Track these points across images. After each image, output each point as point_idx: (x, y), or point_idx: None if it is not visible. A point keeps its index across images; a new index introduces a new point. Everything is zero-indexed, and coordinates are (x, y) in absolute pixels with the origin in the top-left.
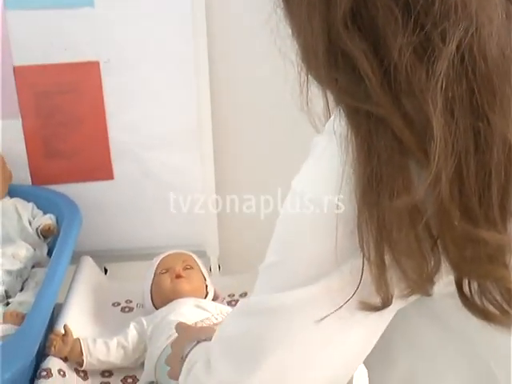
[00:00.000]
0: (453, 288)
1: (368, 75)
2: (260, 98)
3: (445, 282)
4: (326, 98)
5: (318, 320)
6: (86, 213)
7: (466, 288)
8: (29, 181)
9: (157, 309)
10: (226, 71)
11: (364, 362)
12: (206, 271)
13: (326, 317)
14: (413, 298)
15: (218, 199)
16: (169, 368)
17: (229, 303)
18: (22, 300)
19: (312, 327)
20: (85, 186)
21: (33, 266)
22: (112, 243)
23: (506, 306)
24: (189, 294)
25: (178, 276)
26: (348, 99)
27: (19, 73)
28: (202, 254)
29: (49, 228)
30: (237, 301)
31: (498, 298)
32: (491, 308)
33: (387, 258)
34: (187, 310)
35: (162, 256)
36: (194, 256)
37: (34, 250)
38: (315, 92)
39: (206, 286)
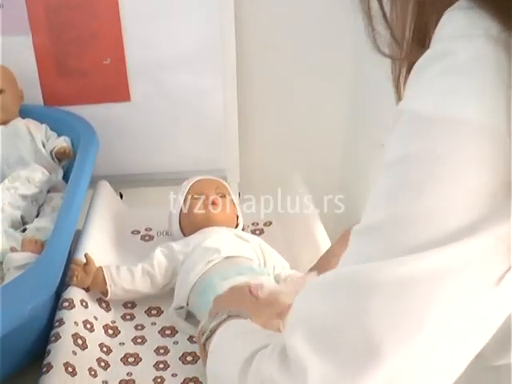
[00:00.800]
0: None
1: None
2: (287, 16)
3: None
4: None
5: (474, 290)
6: (100, 136)
7: None
8: (41, 101)
9: (185, 236)
10: None
11: None
12: (236, 200)
13: (486, 284)
14: None
15: (241, 123)
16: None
17: (253, 232)
18: (40, 226)
19: (464, 300)
20: (99, 108)
21: (48, 191)
22: (128, 168)
23: None
24: (221, 223)
25: (213, 203)
26: None
27: None
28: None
29: (64, 151)
30: (261, 230)
31: None
32: None
33: None
34: (226, 239)
35: (192, 180)
36: (226, 184)
37: (50, 173)
38: None
39: (237, 217)
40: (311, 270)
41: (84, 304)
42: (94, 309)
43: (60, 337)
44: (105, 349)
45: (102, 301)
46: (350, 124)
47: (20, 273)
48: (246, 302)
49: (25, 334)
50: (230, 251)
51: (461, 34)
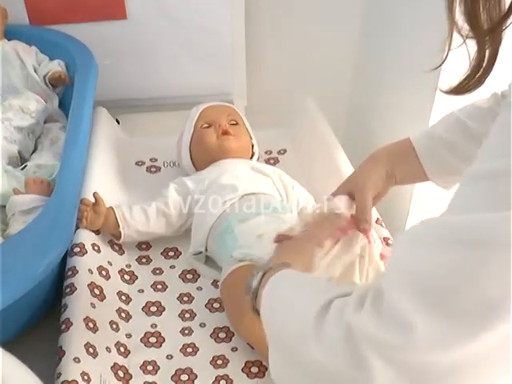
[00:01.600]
0: None
1: None
2: None
3: None
4: None
5: None
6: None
7: None
8: (26, 20)
9: (197, 169)
10: None
11: None
12: (249, 128)
13: None
14: None
15: (248, 43)
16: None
17: (267, 161)
18: (41, 163)
19: None
20: (91, 27)
21: (44, 122)
22: (125, 92)
23: None
24: (235, 153)
25: (225, 132)
26: None
27: None
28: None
29: (59, 76)
30: (275, 159)
31: None
32: None
33: None
34: (243, 174)
35: (201, 107)
36: (238, 109)
37: (45, 102)
38: None
39: (252, 146)
40: (337, 192)
41: (96, 248)
42: (107, 252)
43: (75, 288)
44: (124, 297)
45: (114, 243)
46: (360, 47)
47: (27, 218)
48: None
49: (37, 288)
50: (248, 188)
51: None
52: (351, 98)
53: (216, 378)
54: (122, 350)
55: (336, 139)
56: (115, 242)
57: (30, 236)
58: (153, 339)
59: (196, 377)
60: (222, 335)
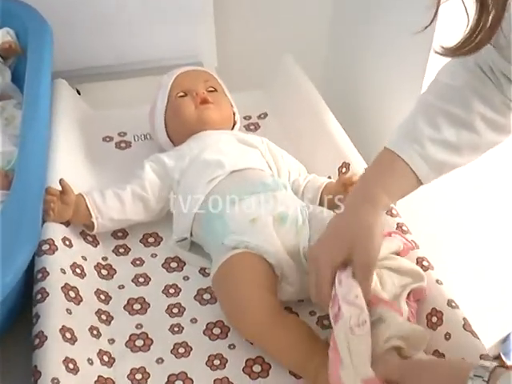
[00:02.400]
0: None
1: None
2: None
3: None
4: None
5: None
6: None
7: None
8: None
9: (174, 144)
10: None
11: None
12: (229, 94)
13: None
14: None
15: None
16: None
17: (246, 128)
18: None
19: None
20: None
21: None
22: (85, 61)
23: None
24: (217, 124)
25: (204, 101)
26: None
27: None
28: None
29: (9, 46)
30: (255, 124)
31: None
32: None
33: None
34: (229, 147)
35: (174, 74)
36: (215, 74)
37: None
38: None
39: (234, 114)
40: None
41: (67, 243)
42: (80, 246)
43: (47, 294)
44: (102, 296)
45: (87, 234)
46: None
47: None
48: None
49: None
50: (236, 163)
51: None
52: (330, 54)
53: (214, 381)
54: (105, 359)
55: (322, 99)
56: (88, 232)
57: None
58: (139, 342)
59: (192, 382)
60: (216, 331)
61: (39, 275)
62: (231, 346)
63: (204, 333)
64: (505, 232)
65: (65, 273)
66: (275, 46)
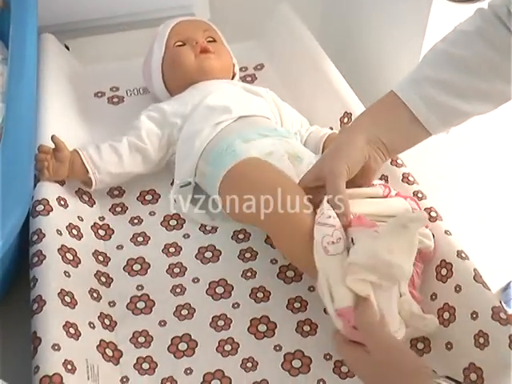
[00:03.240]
0: None
1: None
2: None
3: None
4: None
5: None
6: None
7: None
8: None
9: (172, 95)
10: None
11: None
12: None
13: None
14: None
15: None
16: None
17: (243, 80)
18: None
19: None
20: None
21: None
22: (72, 14)
23: None
24: (217, 74)
25: (205, 50)
26: None
27: None
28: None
29: None
30: (252, 76)
31: None
32: None
33: None
34: (234, 94)
35: (171, 23)
36: (213, 25)
37: None
38: None
39: (234, 65)
40: (304, 181)
41: (62, 203)
42: (76, 206)
43: (44, 256)
44: (101, 258)
45: (83, 193)
46: None
47: None
48: None
49: None
50: (243, 109)
51: None
52: (327, 3)
53: (219, 343)
54: (106, 322)
55: (320, 47)
56: (84, 191)
57: None
58: (141, 304)
59: (196, 344)
60: (219, 290)
61: (35, 237)
62: (235, 305)
63: (207, 292)
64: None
65: (61, 234)
66: None
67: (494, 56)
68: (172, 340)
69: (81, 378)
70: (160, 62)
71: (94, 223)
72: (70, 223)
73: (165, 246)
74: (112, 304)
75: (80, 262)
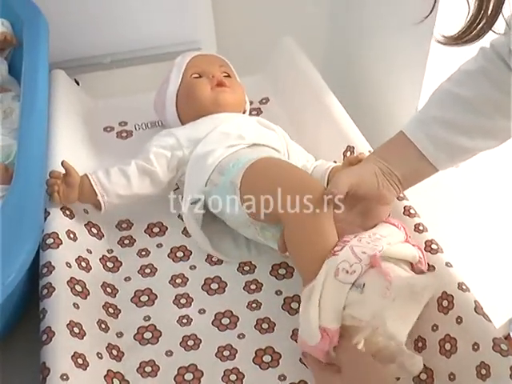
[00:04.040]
0: None
1: None
2: None
3: None
4: None
5: None
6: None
7: None
8: None
9: (183, 125)
10: None
11: None
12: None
13: None
14: None
15: None
16: None
17: (249, 113)
18: None
19: None
20: None
21: None
22: (82, 50)
23: None
24: (231, 107)
25: (221, 84)
26: None
27: None
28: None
29: (5, 38)
30: (258, 110)
31: None
32: None
33: None
34: (247, 124)
35: (189, 56)
36: (228, 61)
37: None
38: None
39: (245, 102)
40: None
41: (72, 236)
42: (85, 239)
43: (53, 288)
44: (109, 289)
45: (92, 225)
46: None
47: None
48: None
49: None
50: (256, 138)
51: None
52: (330, 37)
53: (225, 372)
54: (114, 353)
55: (323, 81)
56: (93, 224)
57: None
58: (148, 334)
59: (202, 374)
60: (225, 321)
61: (44, 270)
62: (240, 336)
63: (213, 323)
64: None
65: (70, 267)
66: (274, 30)
67: (497, 95)
68: (178, 370)
69: None
70: (175, 91)
71: (103, 256)
72: (79, 256)
73: (172, 277)
74: (120, 335)
75: (89, 294)
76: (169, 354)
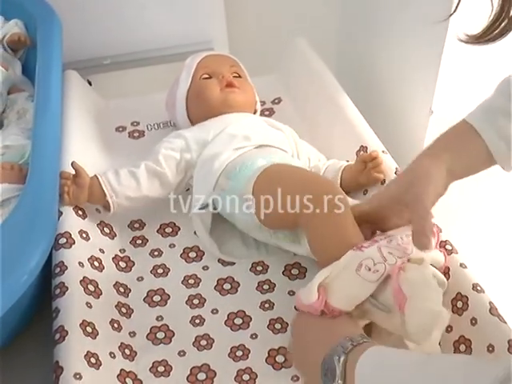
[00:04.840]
0: None
1: None
2: None
3: None
4: None
5: None
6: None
7: None
8: None
9: (193, 125)
10: None
11: None
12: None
13: None
14: None
15: None
16: None
17: (261, 113)
18: (8, 143)
19: None
20: None
21: (8, 93)
22: (94, 51)
23: None
24: (241, 108)
25: (231, 84)
26: None
27: None
28: None
29: (19, 38)
30: (270, 110)
31: None
32: None
33: None
34: (255, 125)
35: (199, 56)
36: (239, 61)
37: (6, 70)
38: None
39: (256, 102)
40: (380, 199)
41: (84, 236)
42: (97, 239)
43: (66, 288)
44: (122, 289)
45: (104, 225)
46: None
47: None
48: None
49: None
50: (262, 139)
51: None
52: (343, 39)
53: (238, 372)
54: (127, 352)
55: (337, 82)
56: (105, 224)
57: (7, 236)
58: (160, 334)
59: (215, 374)
60: (237, 321)
61: (57, 269)
62: (253, 336)
63: (225, 323)
64: None
65: (83, 266)
66: (286, 31)
67: None
68: (191, 370)
69: None
70: (186, 92)
71: (115, 255)
72: (91, 255)
73: (184, 277)
74: (132, 334)
75: (101, 294)
76: (181, 353)
